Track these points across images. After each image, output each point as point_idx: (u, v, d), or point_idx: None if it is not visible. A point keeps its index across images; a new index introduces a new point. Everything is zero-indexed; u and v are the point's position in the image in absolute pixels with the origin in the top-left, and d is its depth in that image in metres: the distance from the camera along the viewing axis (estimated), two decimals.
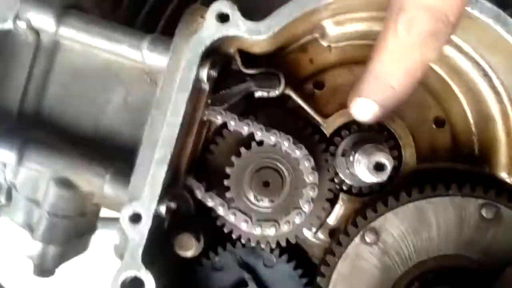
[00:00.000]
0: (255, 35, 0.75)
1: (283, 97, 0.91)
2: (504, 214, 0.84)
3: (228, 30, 0.74)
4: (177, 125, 0.76)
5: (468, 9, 0.72)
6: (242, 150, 0.89)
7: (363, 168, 0.80)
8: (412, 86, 0.71)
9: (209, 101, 0.86)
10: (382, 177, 0.77)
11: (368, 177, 0.79)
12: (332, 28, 0.90)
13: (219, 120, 0.88)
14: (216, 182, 0.91)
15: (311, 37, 0.94)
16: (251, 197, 0.89)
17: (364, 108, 0.74)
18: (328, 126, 0.92)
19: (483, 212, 0.84)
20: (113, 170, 0.80)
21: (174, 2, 0.89)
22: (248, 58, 0.88)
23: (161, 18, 0.88)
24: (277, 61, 0.93)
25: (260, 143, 0.89)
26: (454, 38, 0.84)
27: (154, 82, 0.84)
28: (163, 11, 0.88)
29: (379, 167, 0.77)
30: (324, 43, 0.94)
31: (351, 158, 0.85)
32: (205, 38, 0.75)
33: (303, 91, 0.95)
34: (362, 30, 0.90)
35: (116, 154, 0.85)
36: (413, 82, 0.70)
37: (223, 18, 0.74)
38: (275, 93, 0.88)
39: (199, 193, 0.88)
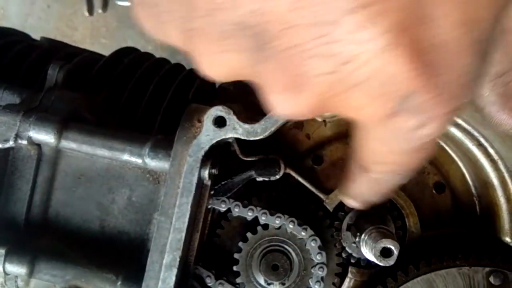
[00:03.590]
0: (252, 136, 0.76)
1: (284, 174, 0.93)
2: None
3: (225, 133, 0.76)
4: (184, 229, 0.77)
5: None
6: (249, 235, 0.91)
7: (369, 252, 0.81)
8: (389, 193, 0.76)
9: (212, 192, 0.87)
10: (389, 262, 0.78)
11: (375, 261, 0.80)
12: None
13: (223, 208, 0.89)
14: (225, 268, 0.92)
15: None
16: (262, 281, 0.90)
17: (353, 204, 0.81)
18: (331, 201, 0.93)
19: (491, 280, 0.85)
20: (124, 276, 0.81)
21: (167, 98, 0.90)
22: (246, 141, 0.90)
23: (157, 113, 0.89)
24: (274, 139, 0.95)
25: (266, 225, 0.91)
26: None
27: (157, 180, 0.85)
28: (159, 106, 0.90)
29: (385, 253, 0.78)
30: (319, 119, 0.95)
31: (357, 238, 0.86)
32: (203, 143, 0.76)
33: (303, 167, 0.96)
34: None
35: (124, 254, 0.86)
36: (391, 193, 0.77)
37: (220, 122, 0.76)
38: (276, 177, 0.90)
39: (210, 282, 0.89)
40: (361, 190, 0.75)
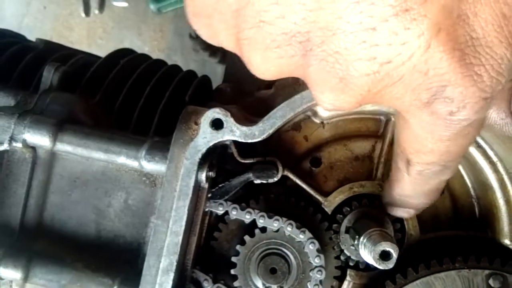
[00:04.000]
0: (249, 139, 0.75)
1: (282, 176, 0.92)
2: (511, 282, 0.84)
3: (223, 136, 0.75)
4: (181, 232, 0.76)
5: None
6: (246, 238, 0.90)
7: (368, 255, 0.80)
8: (437, 196, 0.79)
9: (209, 195, 0.86)
10: (388, 265, 0.77)
11: (374, 264, 0.79)
12: (324, 112, 0.91)
13: (221, 210, 0.88)
14: (223, 271, 0.91)
15: (303, 116, 0.95)
16: (260, 285, 0.89)
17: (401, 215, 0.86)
18: (329, 204, 0.93)
19: (491, 282, 0.85)
20: (120, 280, 0.80)
21: (164, 99, 0.90)
22: (243, 144, 0.89)
23: (154, 115, 0.88)
24: (272, 142, 0.94)
25: (264, 228, 0.90)
26: None
27: (153, 183, 0.84)
28: (156, 108, 0.89)
29: (385, 256, 0.77)
30: (317, 120, 0.95)
31: (355, 241, 0.85)
32: (201, 146, 0.75)
33: (301, 169, 0.95)
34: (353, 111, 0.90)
35: (120, 258, 0.85)
36: (436, 195, 0.79)
37: (217, 125, 0.75)
38: (273, 180, 0.89)
39: (207, 285, 0.88)
40: (405, 192, 0.76)
